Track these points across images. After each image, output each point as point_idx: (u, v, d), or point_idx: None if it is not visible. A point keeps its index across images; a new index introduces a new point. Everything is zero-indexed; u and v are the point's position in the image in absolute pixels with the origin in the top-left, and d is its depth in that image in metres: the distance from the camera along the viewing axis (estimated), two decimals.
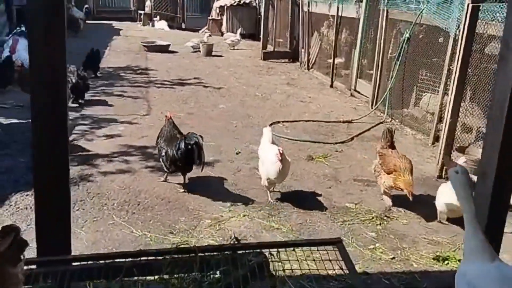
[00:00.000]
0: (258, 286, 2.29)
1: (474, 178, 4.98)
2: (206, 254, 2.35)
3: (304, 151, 6.42)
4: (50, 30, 2.20)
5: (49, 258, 2.36)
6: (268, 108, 8.56)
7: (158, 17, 20.64)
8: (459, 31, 5.96)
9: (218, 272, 2.30)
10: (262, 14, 14.82)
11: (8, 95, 8.10)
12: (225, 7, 18.39)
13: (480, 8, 5.59)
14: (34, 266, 2.32)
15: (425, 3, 7.12)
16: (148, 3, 21.40)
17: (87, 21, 19.00)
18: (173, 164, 4.95)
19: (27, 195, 4.68)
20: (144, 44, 14.43)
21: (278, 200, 4.89)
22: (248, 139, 6.72)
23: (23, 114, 7.27)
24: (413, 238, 4.31)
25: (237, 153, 6.14)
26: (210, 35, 15.30)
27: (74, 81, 7.89)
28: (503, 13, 5.19)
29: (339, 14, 10.34)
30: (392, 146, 4.99)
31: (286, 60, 13.70)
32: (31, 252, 2.50)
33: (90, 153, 5.93)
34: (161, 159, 5.12)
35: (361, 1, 9.33)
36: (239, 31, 16.46)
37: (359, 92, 9.69)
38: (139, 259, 2.35)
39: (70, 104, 8.02)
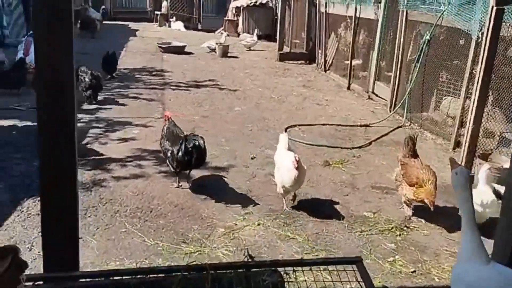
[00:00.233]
0: None
1: (497, 187, 4.84)
2: (218, 271, 2.23)
3: (321, 156, 6.28)
4: (55, 31, 2.10)
5: (55, 274, 2.26)
6: (284, 111, 8.43)
7: (174, 17, 20.63)
8: (482, 34, 5.77)
9: None
10: (279, 14, 14.69)
11: (24, 97, 8.09)
12: (241, 8, 18.29)
13: (505, 10, 5.39)
14: (41, 282, 2.24)
15: (446, 4, 6.92)
16: (164, 4, 21.41)
17: (104, 22, 19.08)
18: (180, 165, 4.99)
19: (39, 200, 4.61)
20: (160, 45, 14.41)
21: (293, 208, 4.76)
22: (264, 143, 6.60)
23: None
24: (435, 250, 4.14)
25: (252, 158, 6.02)
26: (228, 35, 15.19)
27: (88, 80, 7.87)
28: None
29: (357, 15, 10.17)
30: (414, 155, 4.79)
31: (303, 61, 13.56)
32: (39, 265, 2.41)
33: (104, 157, 5.86)
34: (167, 160, 5.14)
35: (380, 2, 9.15)
36: (255, 32, 16.34)
37: (377, 95, 9.51)
38: (148, 276, 2.25)
39: (84, 106, 8.00)
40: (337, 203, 4.95)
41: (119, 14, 22.52)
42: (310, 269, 2.28)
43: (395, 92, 8.52)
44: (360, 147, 6.74)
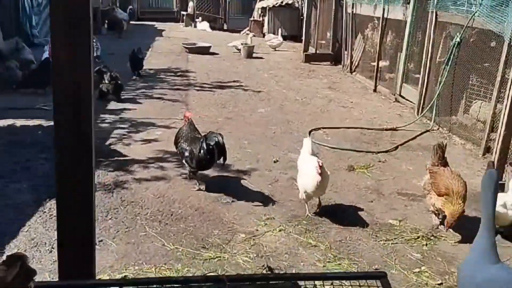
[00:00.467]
0: None
1: None
2: (236, 283, 2.16)
3: (345, 160, 6.15)
4: (72, 32, 2.05)
5: (70, 282, 2.22)
6: (308, 113, 8.31)
7: (200, 18, 20.70)
8: None
9: None
10: (305, 15, 14.55)
11: (49, 97, 8.15)
12: (267, 8, 18.20)
13: None
14: None
15: (478, 5, 6.70)
16: (190, 4, 21.50)
17: (130, 22, 19.27)
18: (198, 163, 5.00)
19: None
20: (185, 45, 14.45)
21: (316, 214, 4.65)
22: (287, 146, 6.50)
23: None
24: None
25: (275, 162, 5.93)
26: (254, 35, 15.11)
27: (107, 82, 7.95)
28: None
29: (385, 15, 9.97)
30: (444, 163, 4.60)
31: (328, 62, 13.39)
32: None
33: (127, 158, 5.86)
34: (184, 160, 5.13)
35: (409, 3, 8.94)
36: (279, 32, 16.22)
37: (404, 98, 9.29)
38: (163, 286, 2.18)
39: (109, 107, 8.05)
40: (361, 209, 4.82)
41: (146, 14, 22.72)
42: (332, 284, 2.19)
43: (423, 95, 8.31)
44: (386, 152, 6.58)
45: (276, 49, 15.36)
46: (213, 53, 14.19)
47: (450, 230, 4.42)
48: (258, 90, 9.84)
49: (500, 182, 2.83)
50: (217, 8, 21.22)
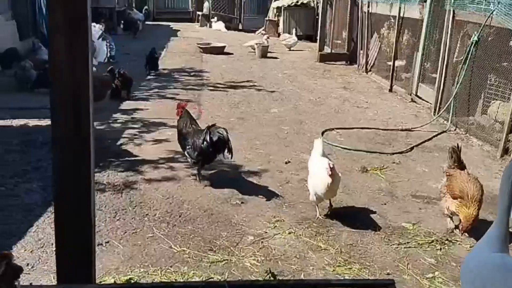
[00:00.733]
0: None
1: None
2: None
3: (358, 161, 6.03)
4: (70, 33, 2.00)
5: (69, 286, 2.17)
6: (322, 114, 8.20)
7: (215, 18, 20.69)
8: None
9: None
10: (320, 14, 14.42)
11: None
12: (282, 8, 18.10)
13: None
14: None
15: (496, 4, 6.53)
16: (206, 4, 21.51)
17: (146, 22, 19.34)
18: (201, 155, 5.03)
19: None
20: (199, 45, 14.43)
21: (327, 217, 4.55)
22: (299, 147, 6.40)
23: None
24: None
25: (286, 163, 5.84)
26: (268, 37, 15.01)
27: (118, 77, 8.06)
28: None
29: (401, 14, 9.81)
30: (461, 166, 4.46)
31: (344, 62, 13.25)
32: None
33: (137, 158, 5.83)
34: (186, 152, 5.16)
35: (425, 1, 8.77)
36: (294, 32, 16.11)
37: (420, 98, 9.13)
38: None
39: (122, 106, 8.05)
40: (374, 212, 4.71)
41: (162, 14, 22.79)
42: None
43: (440, 95, 8.14)
44: (400, 153, 6.44)
45: (291, 48, 15.25)
46: (228, 53, 14.14)
47: (466, 234, 4.28)
48: (271, 90, 9.76)
49: None
50: (232, 8, 21.18)
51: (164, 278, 3.44)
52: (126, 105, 8.18)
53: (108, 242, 3.92)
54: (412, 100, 9.27)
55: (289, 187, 5.17)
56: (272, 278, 2.94)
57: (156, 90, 9.36)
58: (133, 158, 5.83)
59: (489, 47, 6.90)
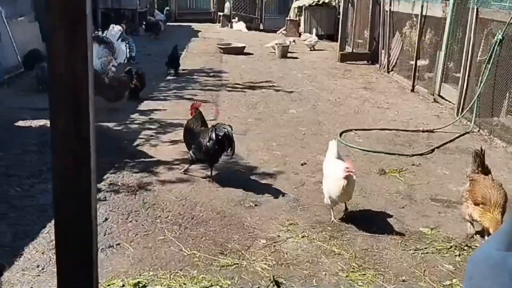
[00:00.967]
0: None
1: None
2: None
3: (376, 163, 5.89)
4: (68, 33, 1.95)
5: None
6: (340, 114, 8.07)
7: (236, 18, 20.66)
8: None
9: None
10: (341, 13, 14.24)
11: None
12: (303, 7, 17.96)
13: None
14: None
15: None
16: (227, 5, 21.51)
17: (168, 23, 19.44)
18: (205, 154, 5.11)
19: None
20: (219, 46, 14.41)
21: (342, 220, 4.45)
22: (316, 148, 6.29)
23: (96, 117, 7.33)
24: None
25: (302, 164, 5.75)
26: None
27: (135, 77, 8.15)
28: None
29: (424, 13, 9.60)
30: (485, 171, 4.28)
31: (365, 62, 13.05)
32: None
33: (152, 159, 5.81)
34: (191, 152, 5.23)
35: None
36: (314, 31, 15.96)
37: (443, 98, 8.91)
38: None
39: (140, 107, 8.06)
40: (391, 216, 4.58)
41: (183, 15, 22.88)
42: None
43: (463, 95, 7.93)
44: (421, 155, 6.28)
45: (314, 48, 15.09)
46: (248, 53, 14.08)
47: (486, 239, 4.13)
48: (290, 90, 9.66)
49: None
50: (253, 8, 21.12)
51: (173, 282, 3.39)
52: (144, 105, 8.20)
53: (119, 244, 3.90)
54: (435, 100, 9.06)
55: (304, 190, 5.08)
56: (275, 287, 2.85)
57: (175, 90, 9.36)
58: (148, 159, 5.82)
59: None
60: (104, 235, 4.04)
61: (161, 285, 3.31)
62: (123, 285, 3.30)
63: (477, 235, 4.21)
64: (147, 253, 3.78)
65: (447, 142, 6.77)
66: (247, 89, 9.67)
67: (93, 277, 2.26)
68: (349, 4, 14.30)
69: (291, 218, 4.44)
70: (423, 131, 7.26)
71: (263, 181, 5.25)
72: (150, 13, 18.28)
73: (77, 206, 2.18)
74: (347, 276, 3.59)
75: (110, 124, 7.09)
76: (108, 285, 3.32)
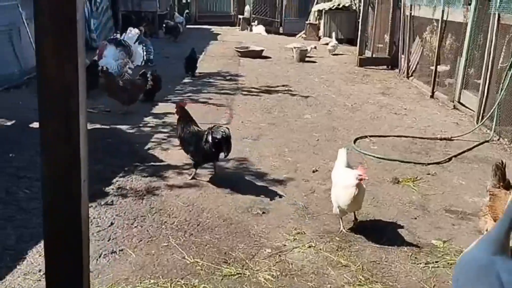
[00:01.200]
0: None
1: None
2: None
3: (390, 172, 5.75)
4: (57, 39, 1.91)
5: None
6: (356, 120, 7.93)
7: (256, 21, 20.62)
8: None
9: None
10: (360, 17, 14.08)
11: (100, 100, 8.28)
12: (323, 11, 17.82)
13: None
14: None
15: None
16: (247, 8, 21.49)
17: (187, 26, 19.52)
18: (203, 157, 5.23)
19: (91, 206, 4.57)
20: (237, 49, 14.38)
21: (351, 230, 4.33)
22: (329, 155, 6.17)
23: (109, 119, 7.39)
24: None
25: (313, 171, 5.64)
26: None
27: (150, 80, 8.14)
28: None
29: (444, 18, 9.40)
30: (507, 185, 4.10)
31: (385, 67, 12.87)
32: None
33: (162, 163, 5.77)
34: (190, 154, 5.33)
35: (469, 4, 8.35)
36: (334, 35, 15.82)
37: (463, 105, 8.70)
38: None
39: (154, 110, 8.05)
40: (402, 227, 4.44)
41: (204, 18, 22.95)
42: None
43: (483, 102, 7.72)
44: (437, 163, 6.11)
45: (333, 52, 14.93)
46: (266, 57, 14.01)
47: None
48: (306, 95, 9.55)
49: None
50: (273, 12, 21.05)
51: None
52: (159, 108, 8.19)
53: (122, 250, 3.85)
54: (454, 107, 8.85)
55: (314, 197, 4.97)
56: None
57: (190, 94, 9.34)
58: (158, 163, 5.78)
59: None
60: (108, 240, 4.00)
61: None
62: None
63: None
64: (149, 260, 3.72)
65: (465, 151, 6.59)
66: (263, 93, 9.60)
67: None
68: (370, 8, 14.13)
69: (298, 227, 4.34)
70: (440, 139, 7.07)
71: (273, 188, 5.16)
72: (170, 16, 18.35)
73: (67, 213, 2.13)
74: None
75: (123, 127, 7.09)
76: None
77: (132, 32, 9.84)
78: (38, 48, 1.99)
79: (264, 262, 3.77)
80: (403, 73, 11.72)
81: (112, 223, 4.29)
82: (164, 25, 17.05)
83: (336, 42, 15.26)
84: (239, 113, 8.05)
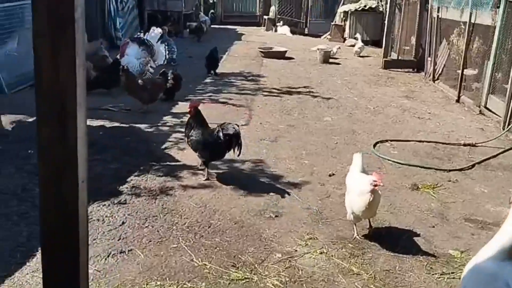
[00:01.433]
0: None
1: None
2: None
3: (410, 177, 5.60)
4: (54, 39, 1.88)
5: None
6: (377, 124, 7.78)
7: (281, 22, 20.52)
8: None
9: None
10: (386, 19, 13.85)
11: (119, 98, 8.34)
12: (349, 12, 17.61)
13: None
14: None
15: None
16: (272, 8, 21.41)
17: (212, 26, 19.57)
18: (211, 154, 5.25)
19: (104, 205, 4.59)
20: (261, 49, 14.32)
21: (365, 237, 4.22)
22: (347, 159, 6.02)
23: (129, 118, 7.43)
24: None
25: (330, 175, 5.53)
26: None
27: (170, 79, 8.22)
28: None
29: (472, 20, 9.15)
30: None
31: (410, 69, 12.62)
32: None
33: (178, 163, 5.75)
34: (198, 152, 5.30)
35: (498, 7, 8.10)
36: (358, 37, 15.61)
37: (489, 110, 8.44)
38: None
39: (174, 110, 8.06)
40: (419, 235, 4.31)
41: (229, 18, 22.96)
42: None
43: (510, 108, 7.47)
44: (459, 170, 5.93)
45: (360, 54, 14.73)
46: (289, 58, 13.91)
47: None
48: (327, 97, 9.43)
49: None
50: (299, 12, 20.91)
51: None
52: (178, 108, 8.19)
53: (131, 250, 3.83)
54: (480, 112, 8.60)
55: (329, 202, 4.87)
56: None
57: (210, 94, 9.32)
58: (174, 163, 5.76)
59: None
60: (118, 240, 3.99)
61: None
62: None
63: None
64: (157, 261, 3.69)
65: (489, 158, 6.37)
66: (284, 94, 9.51)
67: None
68: (397, 9, 13.89)
69: (311, 232, 4.25)
70: (464, 145, 6.87)
71: (287, 191, 5.08)
72: (195, 16, 18.43)
73: (63, 214, 2.09)
74: None
75: (142, 126, 7.11)
76: None
77: (155, 32, 9.87)
78: (35, 48, 1.96)
79: (273, 267, 3.70)
80: (429, 76, 11.47)
81: (123, 222, 4.28)
82: (188, 25, 17.13)
83: (362, 44, 15.06)
84: (258, 114, 7.99)
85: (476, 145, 6.90)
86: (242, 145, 5.28)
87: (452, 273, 3.75)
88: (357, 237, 4.19)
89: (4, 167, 5.33)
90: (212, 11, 21.42)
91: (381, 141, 6.80)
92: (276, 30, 20.36)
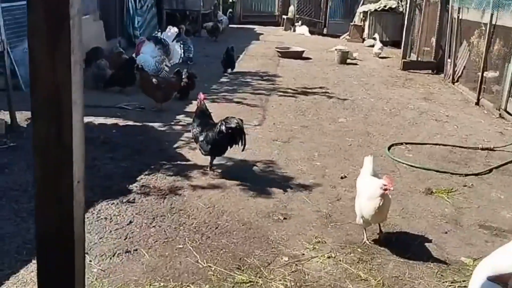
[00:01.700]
0: None
1: None
2: None
3: (424, 181, 5.48)
4: (50, 37, 1.85)
5: None
6: (393, 126, 7.64)
7: (300, 22, 20.40)
8: None
9: None
10: (406, 19, 13.65)
11: (134, 97, 8.36)
12: (368, 13, 17.41)
13: None
14: None
15: None
16: (291, 8, 21.30)
17: (230, 25, 19.55)
18: (213, 147, 5.24)
19: (112, 203, 4.59)
20: (278, 49, 14.25)
21: (375, 242, 4.13)
22: (360, 161, 5.83)
23: (142, 117, 7.43)
24: None
25: (342, 178, 5.45)
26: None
27: (185, 78, 8.26)
28: None
29: (493, 22, 8.94)
30: None
31: (429, 71, 12.41)
32: None
33: (188, 163, 5.72)
34: (199, 144, 5.34)
35: None
36: (377, 37, 15.41)
37: (510, 113, 8.24)
38: None
39: (187, 109, 8.04)
40: (430, 241, 4.20)
41: (248, 18, 22.91)
42: None
43: None
44: (476, 175, 5.78)
45: (380, 55, 14.55)
46: (306, 58, 13.81)
47: None
48: (343, 98, 9.31)
49: None
50: (318, 12, 20.76)
51: None
52: (192, 107, 8.12)
53: (136, 250, 3.81)
54: (500, 116, 8.40)
55: (339, 205, 4.79)
56: None
57: (225, 93, 9.28)
58: (184, 162, 5.74)
59: None
60: (125, 239, 3.97)
61: None
62: None
63: None
64: (162, 262, 3.66)
65: (507, 162, 6.20)
66: (299, 95, 9.43)
67: None
68: (417, 10, 13.68)
69: (319, 236, 4.18)
70: (482, 149, 6.70)
71: (297, 193, 5.01)
72: (213, 15, 18.43)
73: (58, 215, 2.06)
74: None
75: (155, 124, 7.11)
76: None
77: (171, 31, 9.89)
78: (30, 46, 1.94)
79: (279, 271, 3.64)
80: (449, 78, 11.26)
81: (131, 222, 4.27)
82: (205, 25, 17.14)
83: (381, 45, 14.86)
84: (272, 114, 7.93)
85: (494, 149, 6.72)
86: (246, 140, 5.27)
87: (464, 281, 3.63)
88: (366, 241, 4.10)
89: (16, 163, 5.37)
90: (230, 10, 21.39)
91: (396, 144, 6.68)
92: (294, 30, 20.25)
